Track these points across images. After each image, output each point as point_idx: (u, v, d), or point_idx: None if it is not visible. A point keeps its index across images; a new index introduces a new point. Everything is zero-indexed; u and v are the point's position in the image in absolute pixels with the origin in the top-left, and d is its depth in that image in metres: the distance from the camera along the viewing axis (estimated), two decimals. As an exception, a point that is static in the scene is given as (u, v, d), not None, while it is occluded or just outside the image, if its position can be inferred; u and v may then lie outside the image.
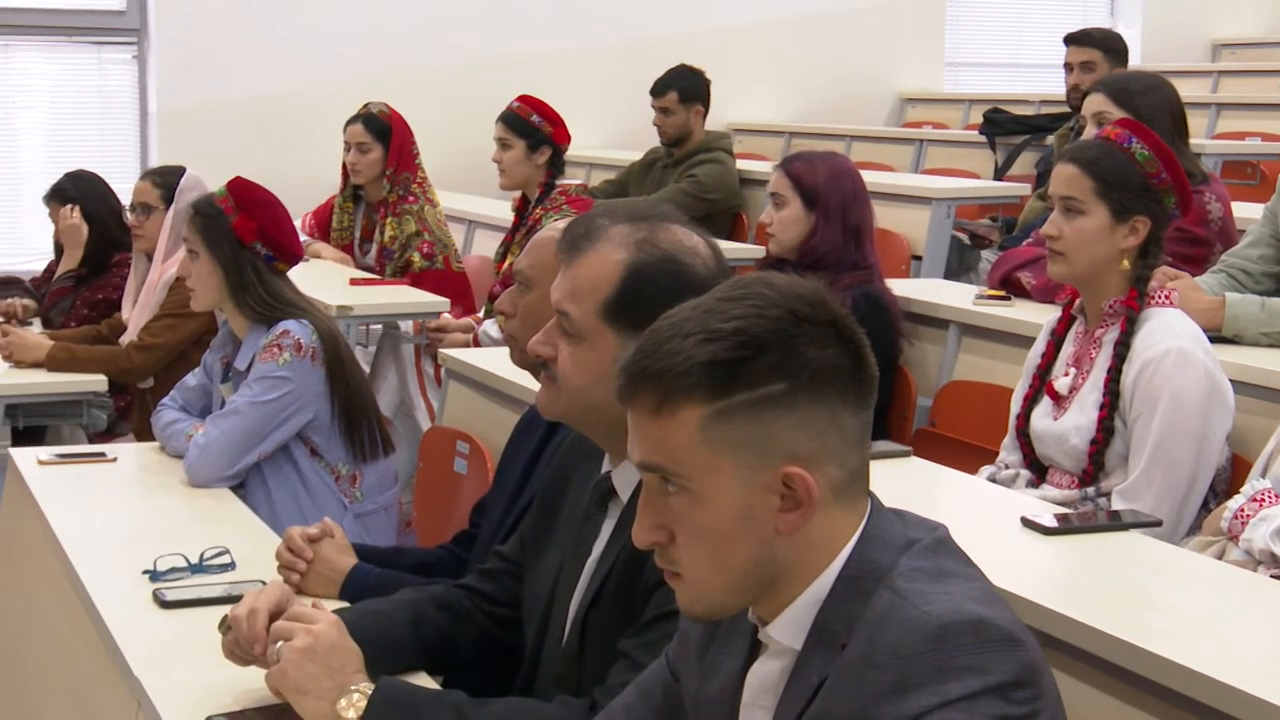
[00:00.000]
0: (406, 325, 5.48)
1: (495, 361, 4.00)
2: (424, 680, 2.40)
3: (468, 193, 7.41)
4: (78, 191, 5.66)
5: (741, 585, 1.69)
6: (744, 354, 1.65)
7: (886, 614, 1.62)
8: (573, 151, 5.66)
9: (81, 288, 5.57)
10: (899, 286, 4.60)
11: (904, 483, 3.03)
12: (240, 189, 3.88)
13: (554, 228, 2.58)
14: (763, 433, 1.65)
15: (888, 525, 1.72)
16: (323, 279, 5.25)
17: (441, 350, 4.59)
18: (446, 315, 5.31)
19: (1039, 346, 3.55)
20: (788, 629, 1.70)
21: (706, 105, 7.05)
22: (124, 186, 5.68)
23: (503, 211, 6.42)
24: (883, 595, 1.64)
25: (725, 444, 1.66)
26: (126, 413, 5.18)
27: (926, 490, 3.14)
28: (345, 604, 2.70)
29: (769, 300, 1.68)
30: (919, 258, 6.03)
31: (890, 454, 3.19)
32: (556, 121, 5.47)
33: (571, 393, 2.30)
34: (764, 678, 1.73)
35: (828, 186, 4.27)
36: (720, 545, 1.67)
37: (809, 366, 1.66)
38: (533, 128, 5.43)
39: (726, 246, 5.99)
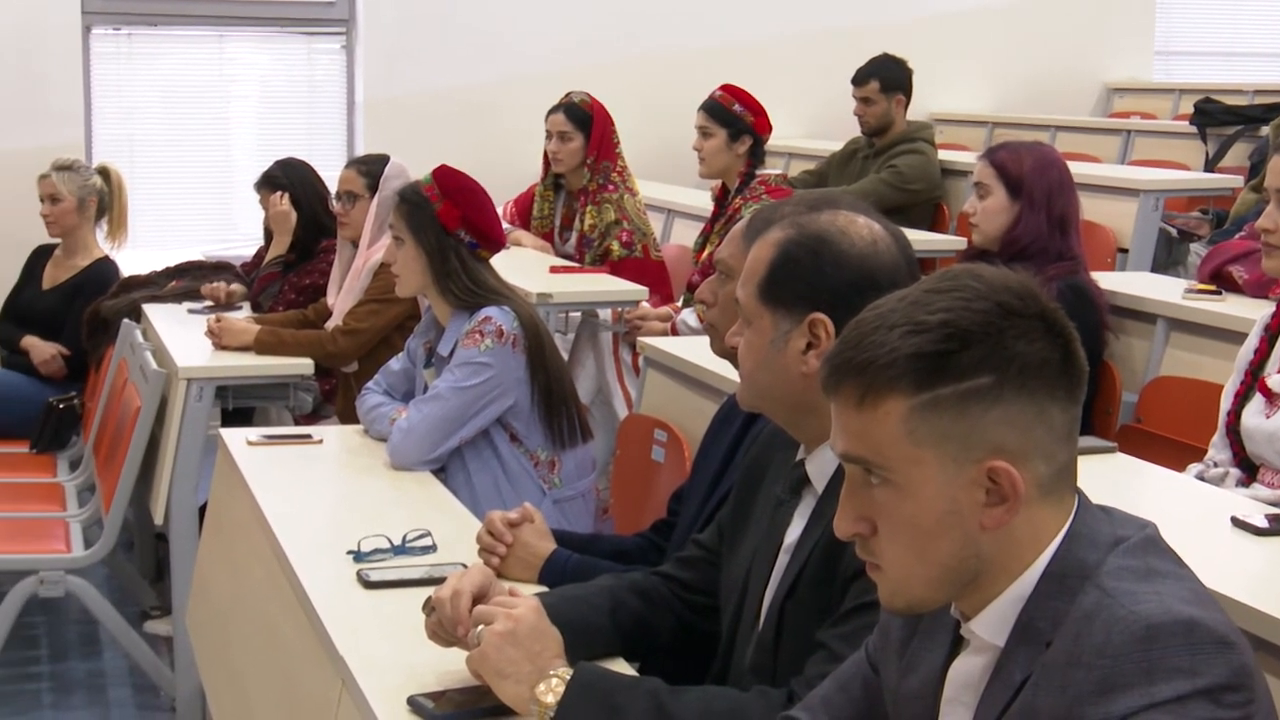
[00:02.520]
0: (605, 313, 5.51)
1: (694, 350, 4.00)
2: (621, 666, 2.42)
3: (667, 182, 7.42)
4: (287, 179, 5.79)
5: (943, 580, 1.67)
6: (950, 346, 1.63)
7: (1093, 613, 1.58)
8: (773, 141, 5.64)
9: (289, 273, 5.69)
10: (1105, 279, 4.51)
11: (1109, 480, 2.97)
12: (446, 177, 3.93)
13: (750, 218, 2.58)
14: (968, 426, 1.63)
15: (1095, 522, 1.68)
16: (523, 266, 5.29)
17: (640, 339, 4.60)
18: (645, 304, 5.33)
19: (1251, 342, 3.45)
20: (991, 625, 1.67)
21: (909, 95, 6.98)
22: (330, 174, 5.79)
23: (702, 201, 6.42)
24: (1089, 594, 1.60)
25: (930, 437, 1.63)
26: (331, 396, 5.28)
27: (1132, 488, 3.08)
28: (544, 589, 2.72)
29: (977, 292, 1.65)
30: (1125, 250, 5.90)
31: (1095, 450, 3.13)
32: (758, 111, 5.45)
33: (747, 378, 2.32)
34: (966, 674, 1.71)
35: (1033, 176, 4.20)
36: (923, 539, 1.65)
37: (1017, 360, 1.63)
38: (734, 117, 5.42)
39: (927, 238, 6.01)
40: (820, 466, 2.26)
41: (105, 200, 6.27)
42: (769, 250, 2.27)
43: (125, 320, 5.52)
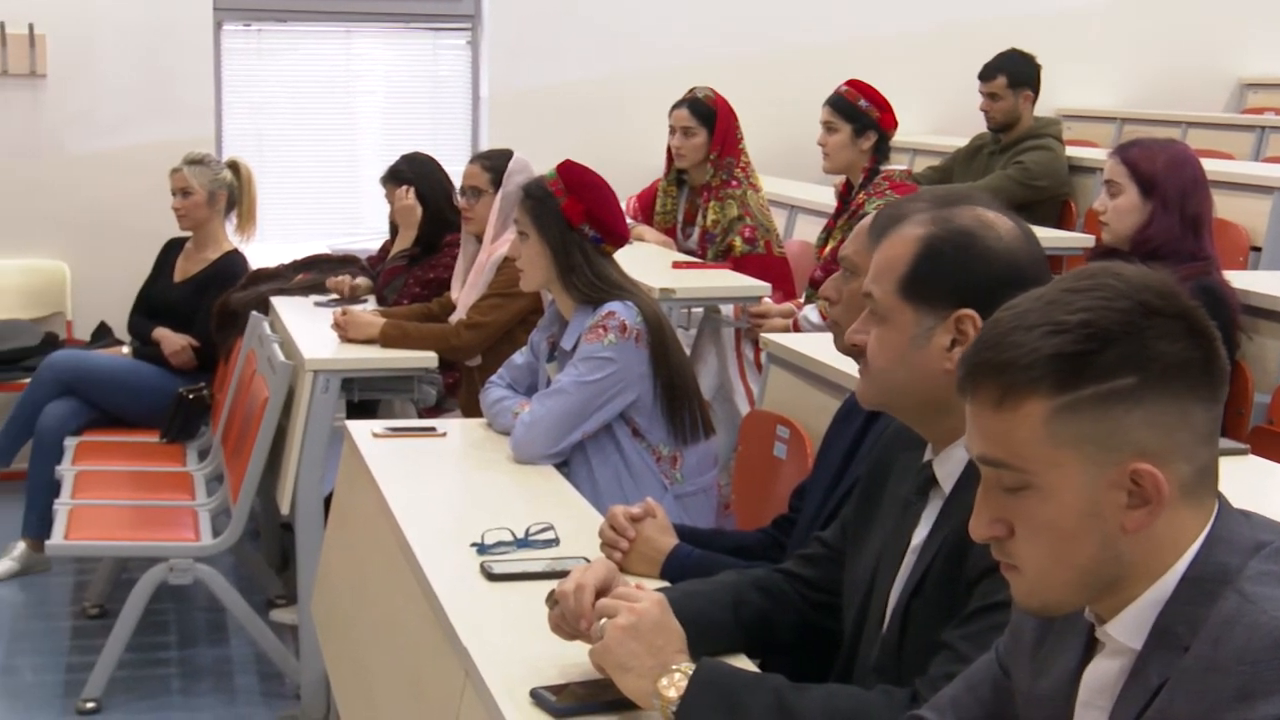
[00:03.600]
0: (727, 309, 5.50)
1: (816, 347, 3.98)
2: (743, 663, 2.41)
3: (791, 177, 7.39)
4: (413, 173, 5.84)
5: (1082, 583, 1.64)
6: (1091, 347, 1.60)
7: (1233, 618, 1.55)
8: (897, 136, 5.59)
9: (414, 267, 5.73)
10: (1237, 279, 4.42)
11: (1241, 482, 2.90)
12: (570, 172, 3.94)
13: (876, 214, 2.56)
14: (1110, 428, 1.60)
15: (1235, 526, 1.65)
16: (646, 262, 5.30)
17: (762, 335, 4.59)
18: (767, 300, 5.31)
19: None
20: (1128, 628, 1.64)
21: (1036, 90, 6.90)
22: (455, 169, 5.82)
23: (825, 197, 6.38)
24: (1229, 598, 1.57)
25: (1071, 439, 1.60)
26: (454, 389, 5.31)
27: (1265, 490, 3.02)
28: (666, 583, 2.72)
29: (1117, 291, 1.62)
30: (1258, 249, 5.79)
31: (1227, 452, 3.04)
32: (884, 106, 5.41)
33: (878, 375, 2.29)
34: (1101, 677, 1.68)
35: (1166, 174, 4.13)
36: (1062, 542, 1.63)
37: (1159, 360, 1.60)
38: (860, 112, 5.38)
39: (1054, 235, 5.93)
40: (948, 467, 2.24)
41: (235, 194, 6.36)
42: (910, 245, 2.24)
43: (254, 313, 5.60)
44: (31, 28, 7.15)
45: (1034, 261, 2.23)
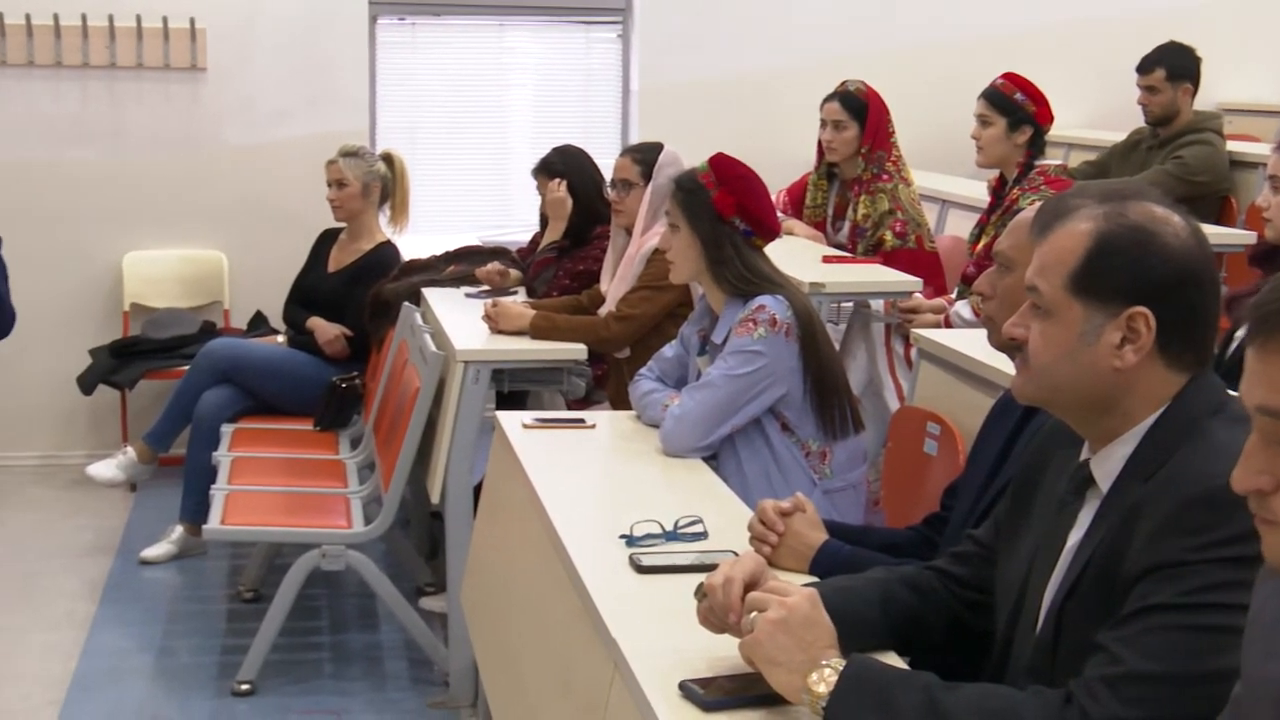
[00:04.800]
0: (877, 304, 5.46)
1: (969, 343, 3.94)
2: (892, 660, 2.39)
3: (942, 171, 7.32)
4: (564, 166, 5.87)
5: None
6: None
7: None
8: (1052, 131, 5.51)
9: (564, 259, 5.76)
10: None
11: None
12: (722, 165, 3.94)
13: (1034, 208, 2.52)
14: None
15: None
16: (795, 255, 5.28)
17: (913, 330, 4.55)
18: (918, 295, 5.27)
19: None
20: None
21: (1196, 83, 6.77)
22: (605, 162, 5.85)
23: (978, 191, 6.32)
24: None
25: None
26: (603, 381, 5.33)
27: None
28: (814, 579, 2.71)
29: None
30: None
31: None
32: (1040, 100, 5.33)
33: (1040, 371, 2.25)
34: None
35: (1333, 169, 4.03)
36: None
37: None
38: (1015, 105, 5.31)
39: (1214, 232, 5.81)
40: (1106, 466, 2.20)
41: (388, 185, 6.43)
42: (1081, 240, 2.20)
43: (406, 303, 5.66)
44: (193, 22, 7.30)
45: (1206, 259, 2.19)
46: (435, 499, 4.87)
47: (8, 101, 7.22)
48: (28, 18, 7.14)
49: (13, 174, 7.18)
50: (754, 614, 2.22)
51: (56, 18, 7.16)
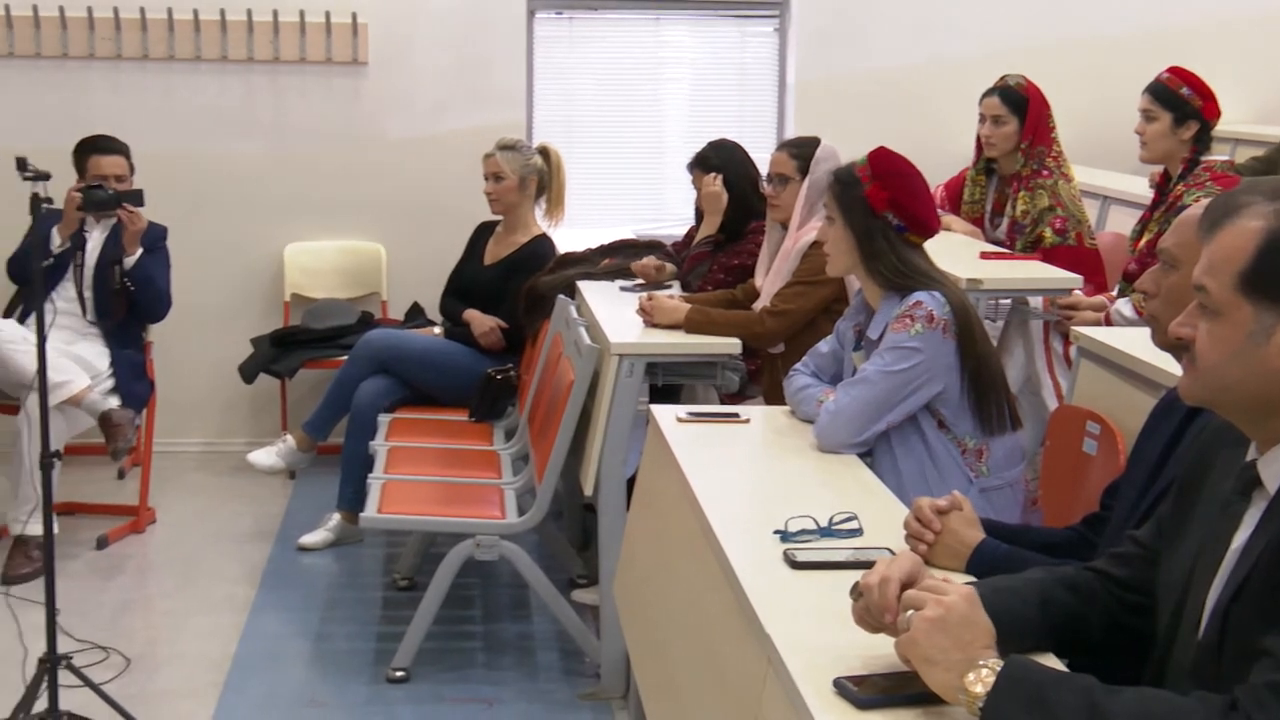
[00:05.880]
0: (1036, 301, 5.40)
1: (1130, 341, 3.88)
2: (1051, 661, 2.36)
3: (1104, 168, 7.20)
4: (720, 160, 5.87)
5: None
6: None
7: None
8: (1218, 126, 5.39)
9: (719, 253, 5.76)
10: None
11: None
12: (879, 159, 3.92)
13: (1200, 205, 2.47)
14: None
15: None
16: (953, 251, 5.23)
17: (1072, 328, 4.49)
18: (1078, 292, 5.19)
19: None
20: None
21: (1369, 77, 6.60)
22: (760, 156, 5.83)
23: (1140, 187, 6.22)
24: None
25: None
26: (757, 376, 5.32)
27: None
28: (971, 578, 2.69)
29: None
30: None
31: None
32: (1207, 95, 5.22)
33: (1207, 371, 2.20)
34: None
35: None
36: None
37: None
38: (1181, 100, 5.21)
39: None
40: (1274, 468, 2.15)
41: (545, 179, 6.48)
42: (1252, 238, 2.15)
43: (560, 296, 5.69)
44: (354, 17, 7.40)
45: None
46: (588, 491, 4.89)
47: (175, 95, 7.38)
48: (195, 13, 7.29)
49: (178, 166, 7.34)
50: (910, 612, 2.20)
51: (223, 13, 7.30)
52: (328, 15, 7.38)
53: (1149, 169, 5.62)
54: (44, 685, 4.17)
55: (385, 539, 6.17)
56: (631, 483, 4.42)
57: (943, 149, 6.76)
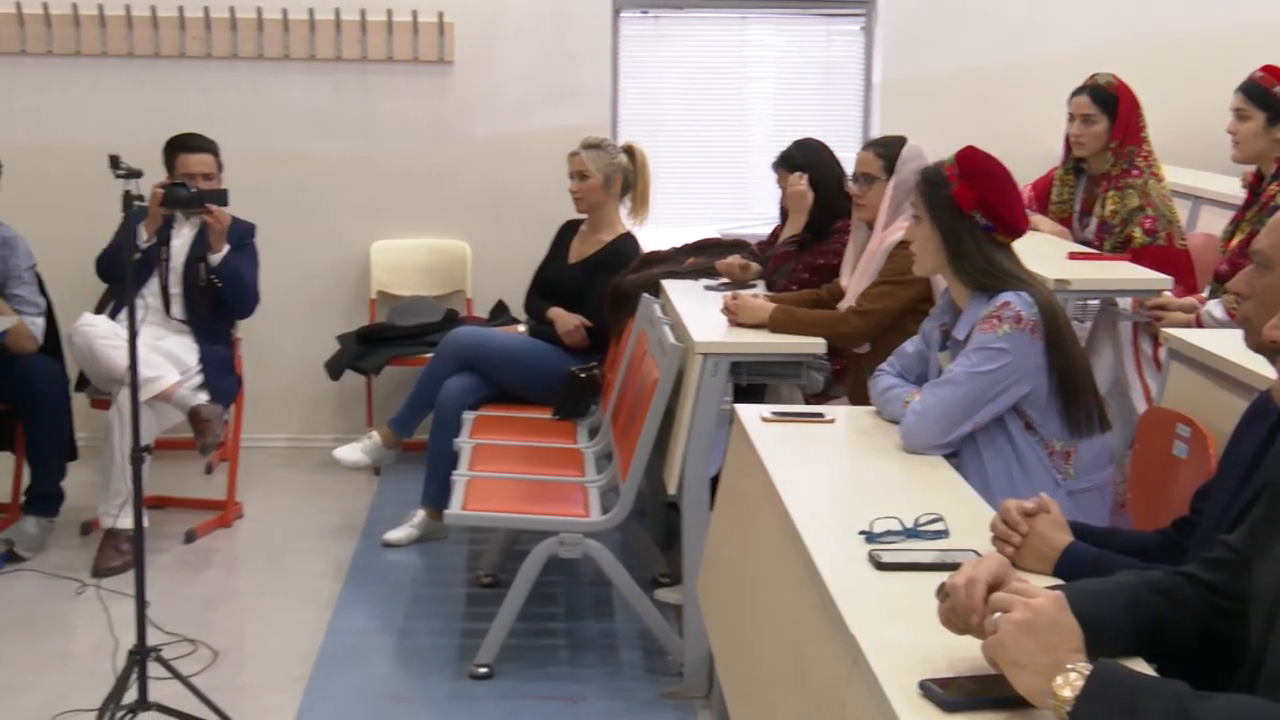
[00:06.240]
0: (1125, 302, 5.34)
1: (1222, 343, 3.83)
2: (1140, 667, 2.33)
3: (1194, 167, 7.12)
4: (805, 159, 5.85)
5: None
6: None
7: None
8: (1313, 126, 5.32)
9: (803, 253, 5.75)
10: None
11: None
12: (968, 159, 3.89)
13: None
14: None
15: None
16: (1040, 252, 5.18)
17: (1162, 330, 4.44)
18: (1168, 293, 5.13)
19: None
20: None
21: None
22: (845, 155, 5.81)
23: (1231, 187, 6.13)
24: None
25: None
26: (841, 376, 5.30)
27: None
28: (1058, 581, 2.66)
29: None
30: None
31: None
32: (1301, 94, 5.16)
33: None
34: None
35: None
36: None
37: None
38: (1275, 99, 5.14)
39: None
40: (1369, 472, 2.13)
41: (630, 178, 6.49)
42: None
43: (645, 295, 5.70)
44: (441, 16, 7.44)
45: None
46: (671, 490, 4.89)
47: (264, 93, 7.46)
48: (284, 13, 7.36)
49: (268, 164, 7.41)
50: (997, 615, 2.18)
51: (312, 12, 7.37)
52: (415, 15, 7.43)
53: (1241, 168, 5.54)
54: (134, 677, 4.22)
55: (469, 536, 6.20)
56: (715, 482, 4.41)
57: (1030, 148, 6.69)
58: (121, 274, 5.99)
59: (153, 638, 4.34)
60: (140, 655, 4.23)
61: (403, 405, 6.40)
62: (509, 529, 5.61)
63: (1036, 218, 5.91)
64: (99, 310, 6.35)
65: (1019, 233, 3.94)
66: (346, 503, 6.74)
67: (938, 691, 2.22)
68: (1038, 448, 3.78)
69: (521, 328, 6.67)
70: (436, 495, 5.98)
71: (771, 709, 3.09)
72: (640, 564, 5.71)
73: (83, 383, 6.34)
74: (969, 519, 3.11)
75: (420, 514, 6.20)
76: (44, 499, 6.13)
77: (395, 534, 6.17)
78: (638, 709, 4.71)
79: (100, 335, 5.97)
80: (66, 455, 6.24)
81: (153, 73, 7.41)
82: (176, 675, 4.34)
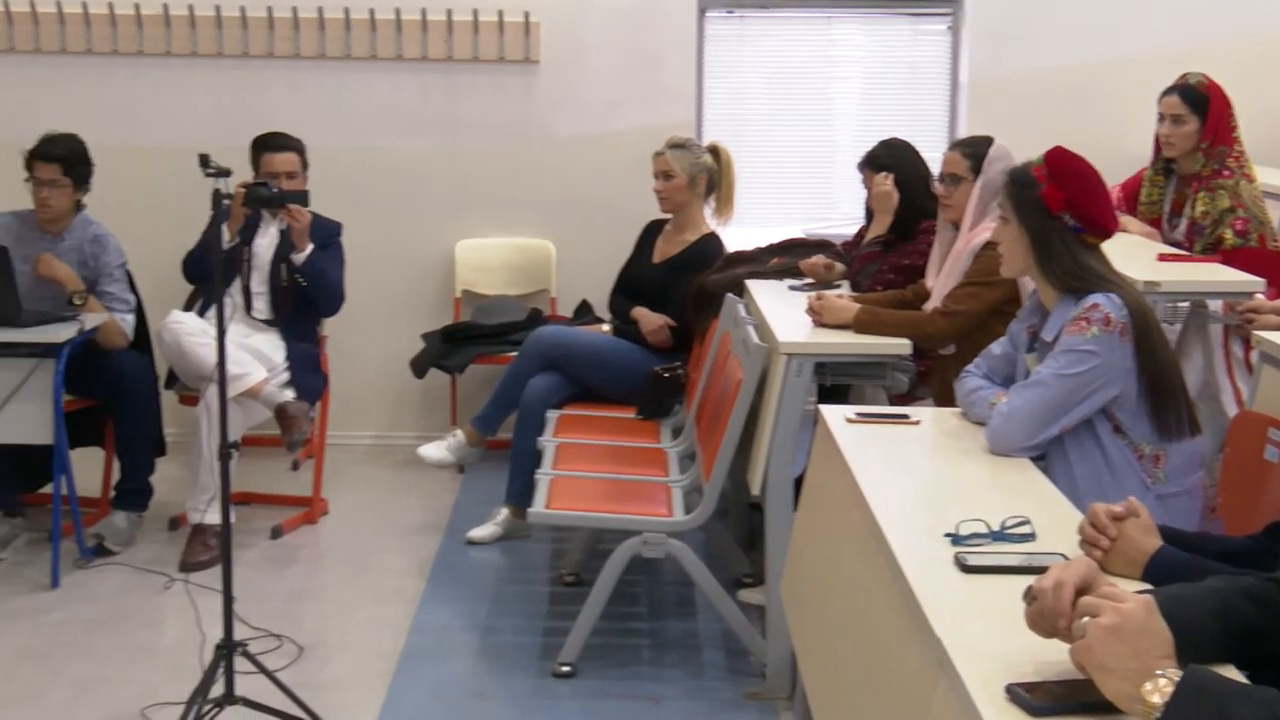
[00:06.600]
0: (1215, 304, 5.28)
1: (1316, 347, 3.78)
2: (1231, 673, 2.30)
3: (1287, 168, 7.03)
4: (891, 159, 5.83)
5: None
6: None
7: None
8: None
9: (889, 253, 5.72)
10: None
11: None
12: (1056, 159, 3.86)
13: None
14: None
15: None
16: (1130, 253, 5.13)
17: (1254, 332, 4.38)
18: (1260, 296, 5.07)
19: None
20: None
21: None
22: (931, 155, 5.78)
23: (1326, 189, 6.06)
24: None
25: None
26: (927, 377, 5.27)
27: None
28: (1147, 586, 2.63)
29: None
30: None
31: None
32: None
33: None
34: None
35: None
36: None
37: None
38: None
39: None
40: None
41: (714, 177, 6.49)
42: None
43: (729, 295, 5.69)
44: (527, 16, 7.47)
45: None
46: (755, 490, 4.88)
47: (351, 93, 7.51)
48: (371, 13, 7.41)
49: (354, 163, 7.47)
50: (1086, 619, 2.16)
51: (398, 12, 7.41)
52: (500, 15, 7.45)
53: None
54: (220, 671, 4.27)
55: (552, 534, 6.22)
56: (799, 482, 4.40)
57: (1119, 149, 6.62)
58: (207, 273, 6.06)
59: (239, 632, 4.38)
60: (227, 650, 4.27)
61: (487, 404, 6.43)
62: (592, 528, 5.62)
63: (1126, 219, 5.85)
64: (187, 308, 6.42)
65: (1108, 234, 3.89)
66: (430, 500, 6.78)
67: (1024, 696, 2.20)
68: (1127, 451, 3.74)
69: (605, 327, 6.67)
70: (520, 494, 6.00)
71: (855, 710, 3.07)
72: (723, 564, 5.70)
73: (172, 379, 6.41)
74: (1056, 522, 3.08)
75: (504, 512, 6.22)
76: (133, 494, 6.20)
77: (479, 532, 6.20)
78: (720, 709, 4.70)
79: (189, 332, 6.03)
80: (155, 451, 6.31)
81: (242, 72, 7.49)
82: (263, 670, 4.37)
